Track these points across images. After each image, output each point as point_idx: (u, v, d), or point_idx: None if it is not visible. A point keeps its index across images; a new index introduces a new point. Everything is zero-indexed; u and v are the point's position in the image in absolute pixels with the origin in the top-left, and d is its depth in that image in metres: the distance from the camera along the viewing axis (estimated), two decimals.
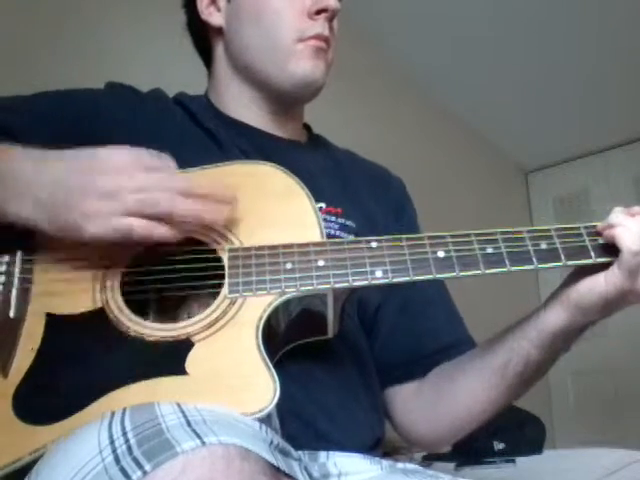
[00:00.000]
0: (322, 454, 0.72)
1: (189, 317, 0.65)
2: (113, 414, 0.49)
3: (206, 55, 0.96)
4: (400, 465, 0.78)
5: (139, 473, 0.41)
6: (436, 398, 0.84)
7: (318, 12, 0.85)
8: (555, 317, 0.71)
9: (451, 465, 1.72)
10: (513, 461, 1.68)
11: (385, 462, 0.77)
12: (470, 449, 1.77)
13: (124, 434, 0.45)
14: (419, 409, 0.86)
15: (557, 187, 3.93)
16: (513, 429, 1.93)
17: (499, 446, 1.88)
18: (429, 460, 1.80)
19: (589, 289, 0.67)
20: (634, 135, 3.66)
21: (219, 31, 0.91)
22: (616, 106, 3.36)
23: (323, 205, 0.84)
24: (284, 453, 0.53)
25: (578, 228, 0.69)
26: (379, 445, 0.81)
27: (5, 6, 1.56)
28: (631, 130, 3.61)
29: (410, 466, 0.79)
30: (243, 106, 0.90)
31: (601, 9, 2.66)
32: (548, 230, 0.69)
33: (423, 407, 0.86)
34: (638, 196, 3.53)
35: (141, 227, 0.63)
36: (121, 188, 0.62)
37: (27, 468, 0.51)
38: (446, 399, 0.83)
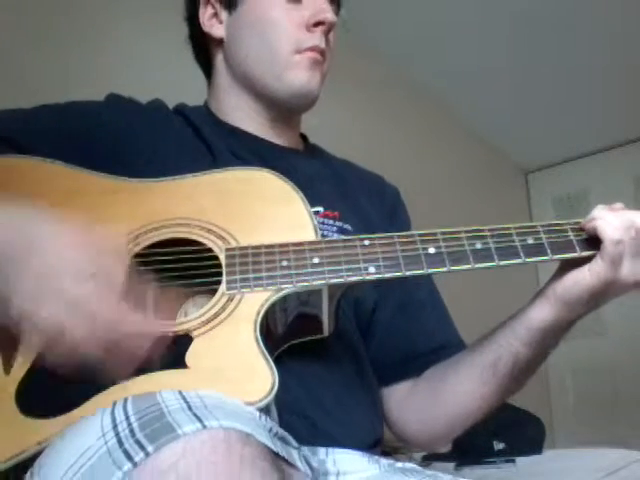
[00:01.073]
0: (321, 450, 0.72)
1: (188, 314, 0.66)
2: (115, 402, 0.49)
3: (206, 66, 0.98)
4: (399, 465, 0.79)
5: (141, 454, 0.42)
6: (430, 397, 0.85)
7: (316, 25, 0.87)
8: (542, 313, 0.72)
9: (451, 465, 1.72)
10: (513, 461, 1.68)
11: (384, 461, 0.78)
12: (470, 449, 1.77)
13: (127, 418, 0.46)
14: (413, 408, 0.87)
15: (557, 187, 3.94)
16: (513, 429, 1.93)
17: (499, 446, 1.89)
18: (429, 460, 1.81)
19: (574, 282, 0.70)
20: (634, 135, 3.66)
21: (220, 42, 0.93)
22: (616, 106, 3.36)
23: (321, 209, 0.85)
24: (283, 441, 0.54)
25: (563, 224, 0.72)
26: (378, 444, 0.82)
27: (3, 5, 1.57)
28: (631, 130, 3.61)
29: (409, 466, 0.79)
30: (242, 114, 0.92)
31: (601, 9, 2.67)
32: (535, 226, 0.72)
33: (417, 406, 0.87)
34: (638, 196, 3.53)
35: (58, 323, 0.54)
36: (60, 276, 0.56)
37: (30, 462, 0.52)
38: (439, 398, 0.84)
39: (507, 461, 1.69)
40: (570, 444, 2.39)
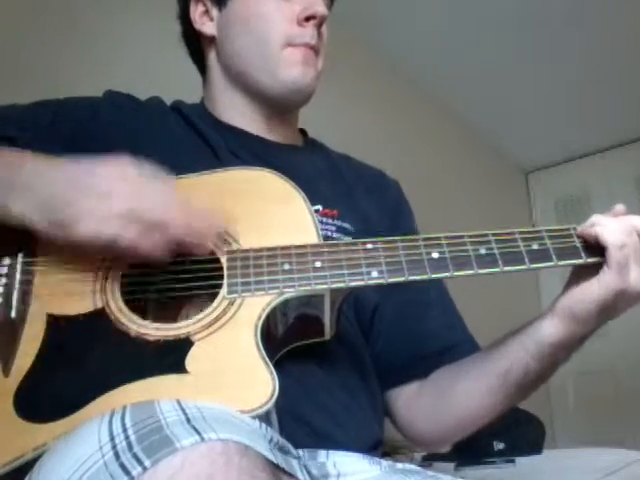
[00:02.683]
0: (321, 453, 0.72)
1: (188, 318, 0.66)
2: (113, 411, 0.49)
3: (201, 64, 0.97)
4: (400, 466, 0.78)
5: (139, 469, 0.42)
6: (437, 399, 0.84)
7: (307, 19, 0.87)
8: (552, 329, 0.71)
9: (451, 465, 1.72)
10: (513, 461, 1.68)
11: (385, 462, 0.77)
12: (470, 449, 1.77)
13: (124, 430, 0.46)
14: (421, 409, 0.86)
15: (557, 187, 3.93)
16: (513, 429, 1.93)
17: (499, 446, 1.89)
18: (429, 460, 1.81)
19: (583, 296, 0.68)
20: (634, 135, 3.66)
21: (212, 40, 0.93)
22: (616, 106, 3.36)
23: (320, 207, 0.85)
24: (284, 451, 0.53)
25: (568, 229, 0.70)
26: (379, 446, 0.82)
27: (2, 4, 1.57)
28: (631, 130, 3.61)
29: (410, 467, 0.79)
30: (238, 112, 0.92)
31: (601, 9, 2.67)
32: (539, 231, 0.70)
33: (425, 407, 0.86)
34: (638, 196, 3.53)
35: (128, 237, 0.62)
36: (119, 191, 0.63)
37: (28, 466, 0.51)
38: (447, 400, 0.83)
39: (507, 461, 1.70)
40: (570, 444, 2.40)
